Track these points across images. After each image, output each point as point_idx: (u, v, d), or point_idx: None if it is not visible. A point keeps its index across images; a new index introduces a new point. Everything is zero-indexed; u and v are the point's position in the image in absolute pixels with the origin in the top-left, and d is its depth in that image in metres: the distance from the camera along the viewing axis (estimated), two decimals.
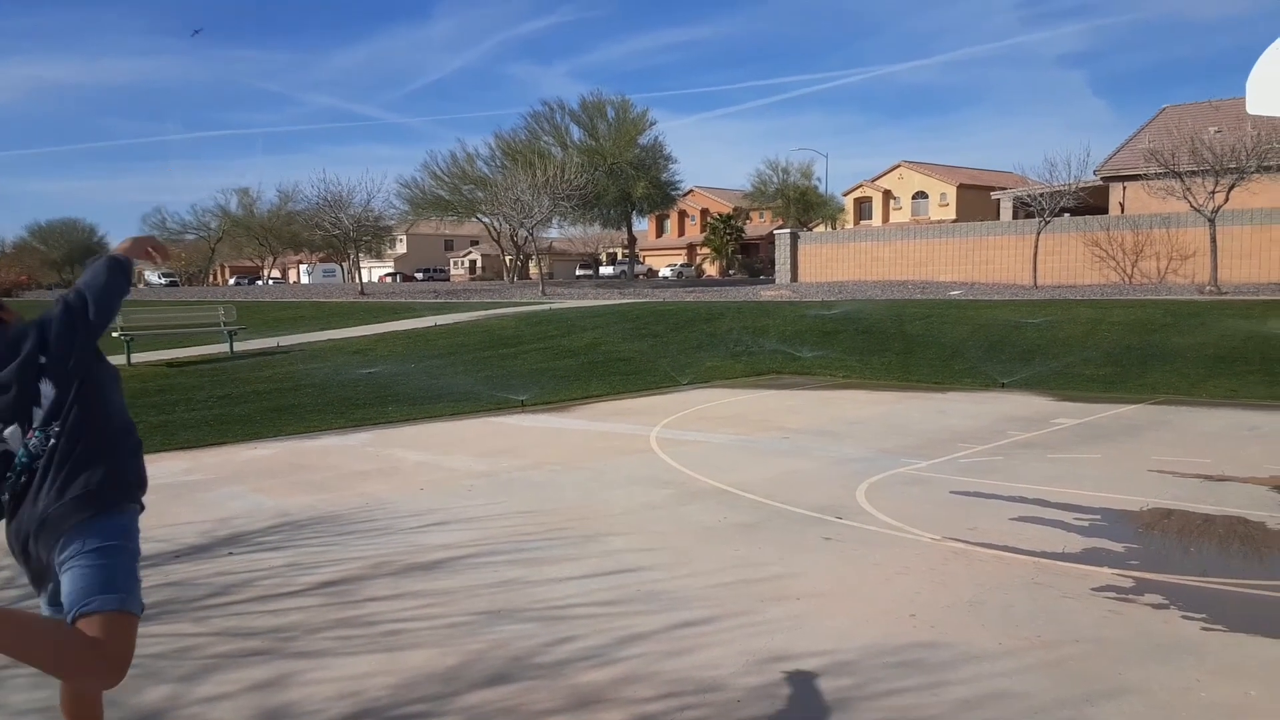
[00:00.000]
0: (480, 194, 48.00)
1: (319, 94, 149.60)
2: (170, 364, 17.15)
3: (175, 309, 25.45)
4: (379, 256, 69.45)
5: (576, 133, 48.50)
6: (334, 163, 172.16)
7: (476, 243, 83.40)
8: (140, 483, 2.55)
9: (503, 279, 59.97)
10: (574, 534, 5.98)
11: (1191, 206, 22.69)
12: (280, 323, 25.82)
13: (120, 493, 2.44)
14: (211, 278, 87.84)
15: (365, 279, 50.25)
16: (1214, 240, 22.38)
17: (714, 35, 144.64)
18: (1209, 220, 22.31)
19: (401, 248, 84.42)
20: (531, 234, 40.88)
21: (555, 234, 66.65)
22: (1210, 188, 22.26)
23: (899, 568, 5.13)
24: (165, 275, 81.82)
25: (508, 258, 58.55)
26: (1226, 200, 22.32)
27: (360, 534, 6.11)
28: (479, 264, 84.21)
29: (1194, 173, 22.65)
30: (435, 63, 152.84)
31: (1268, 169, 21.92)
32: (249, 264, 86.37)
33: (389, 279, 75.36)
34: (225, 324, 19.27)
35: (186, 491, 7.51)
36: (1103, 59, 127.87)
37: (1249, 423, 9.59)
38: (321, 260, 79.39)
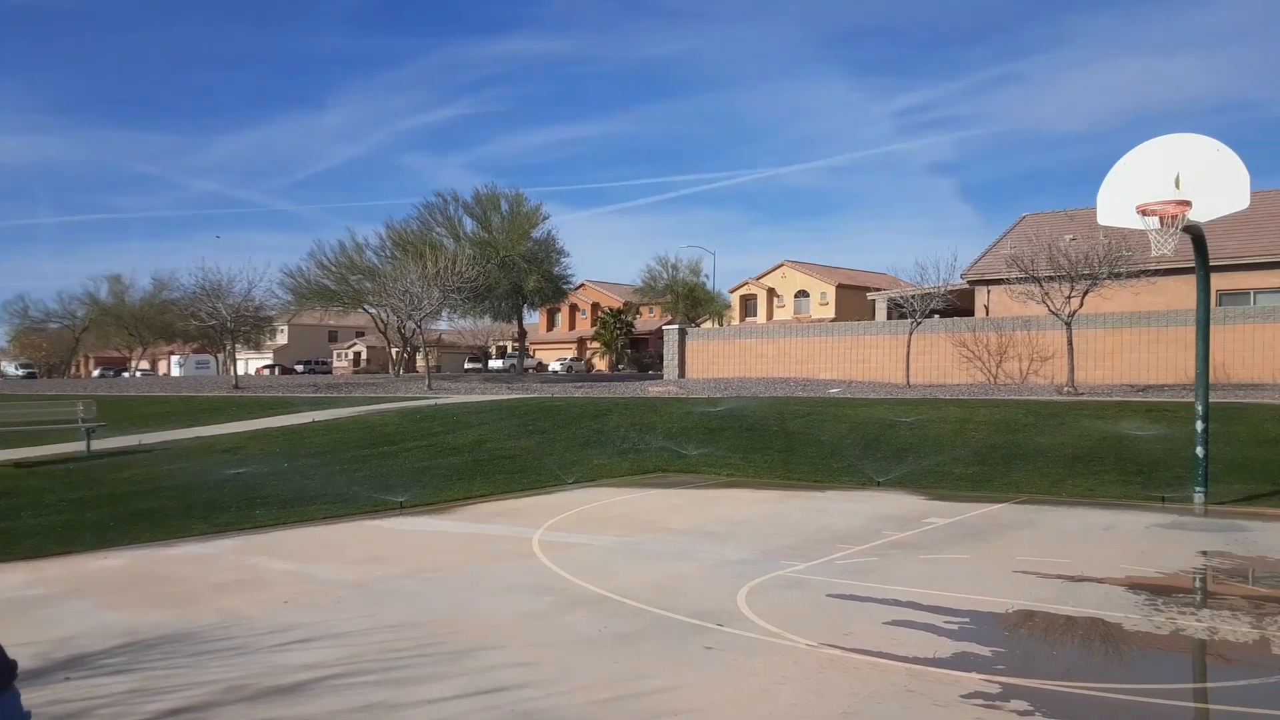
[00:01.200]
0: (368, 284, 47.29)
1: (201, 179, 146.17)
2: (19, 464, 16.04)
3: (30, 404, 23.94)
4: (258, 347, 67.30)
5: (470, 225, 48.56)
6: (215, 250, 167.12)
7: (362, 334, 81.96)
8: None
9: (388, 372, 58.86)
10: (448, 649, 5.75)
11: (1050, 310, 24.19)
12: (145, 419, 24.55)
13: (10, 674, 2.36)
14: (74, 369, 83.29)
15: (241, 371, 48.52)
16: (1071, 343, 23.85)
17: (607, 134, 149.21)
18: (1066, 324, 23.80)
19: (282, 338, 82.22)
20: (420, 326, 40.41)
21: (445, 326, 66.07)
22: (1067, 293, 23.81)
23: (777, 678, 5.10)
24: (23, 366, 77.37)
25: (394, 350, 57.59)
26: (1081, 305, 23.89)
27: (215, 654, 5.72)
28: (364, 356, 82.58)
29: (1052, 278, 24.21)
30: (327, 151, 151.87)
31: (1118, 276, 23.61)
32: (116, 355, 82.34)
33: (267, 371, 72.99)
34: (84, 420, 18.20)
35: (24, 608, 6.93)
36: (968, 168, 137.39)
37: (1105, 522, 10.08)
38: (195, 351, 76.40)
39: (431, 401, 26.31)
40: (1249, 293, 28.52)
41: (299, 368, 74.57)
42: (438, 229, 48.07)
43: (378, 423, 21.38)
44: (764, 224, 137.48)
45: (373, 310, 52.06)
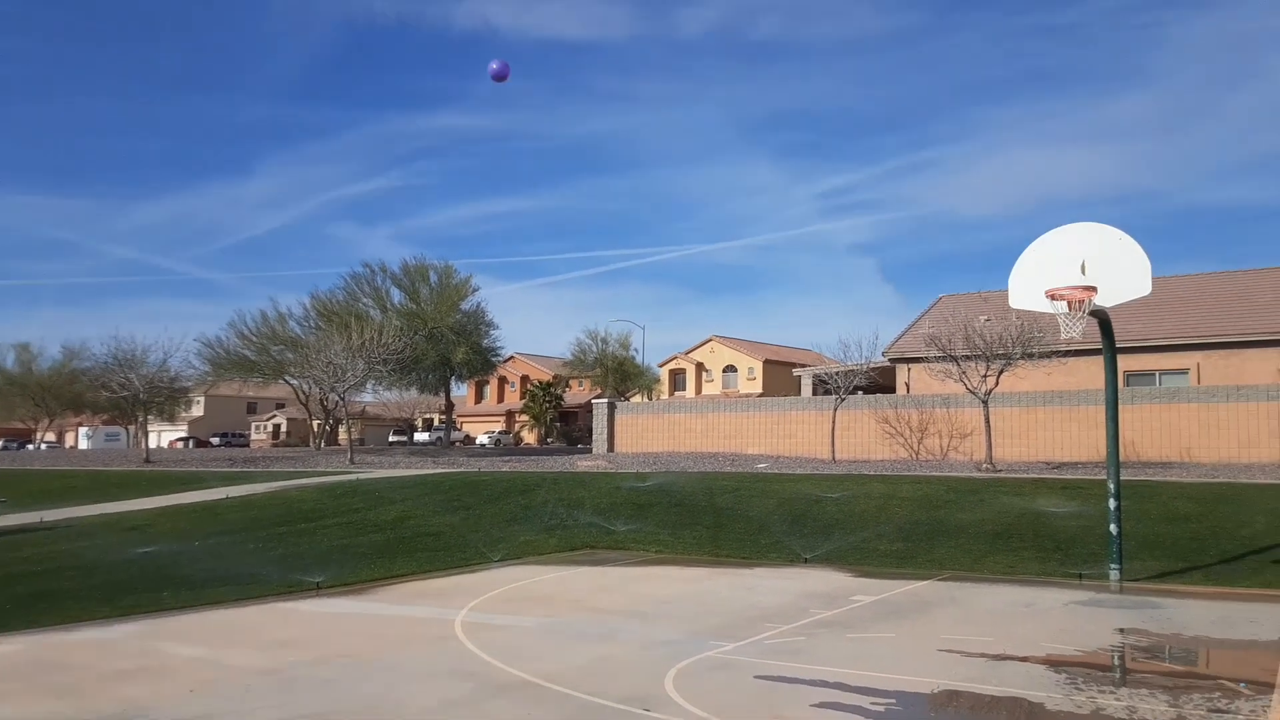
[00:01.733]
0: (291, 355, 46.33)
1: (119, 245, 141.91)
2: None
3: None
4: (172, 419, 64.99)
5: (397, 295, 48.17)
6: (131, 319, 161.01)
7: (282, 405, 79.93)
8: None
9: (309, 445, 57.36)
10: None
11: (967, 388, 24.88)
12: (49, 495, 23.42)
13: None
14: None
15: (153, 444, 46.76)
16: (988, 421, 24.51)
17: (537, 208, 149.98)
18: (983, 402, 24.47)
19: (198, 410, 79.66)
20: (343, 398, 39.62)
21: (369, 398, 64.85)
22: (983, 372, 24.55)
23: None
24: None
25: (315, 422, 56.28)
26: (997, 384, 24.63)
27: None
28: (284, 428, 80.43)
29: (968, 357, 24.96)
30: (252, 219, 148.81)
31: (1031, 356, 24.45)
32: (20, 426, 78.63)
33: (181, 444, 70.54)
34: None
35: None
36: (888, 249, 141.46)
37: (1025, 599, 10.24)
38: (105, 423, 73.48)
39: (353, 476, 25.64)
40: (1154, 374, 29.78)
41: (215, 440, 72.22)
42: (364, 299, 47.60)
43: (295, 499, 20.74)
44: (693, 299, 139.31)
45: (294, 382, 50.94)
